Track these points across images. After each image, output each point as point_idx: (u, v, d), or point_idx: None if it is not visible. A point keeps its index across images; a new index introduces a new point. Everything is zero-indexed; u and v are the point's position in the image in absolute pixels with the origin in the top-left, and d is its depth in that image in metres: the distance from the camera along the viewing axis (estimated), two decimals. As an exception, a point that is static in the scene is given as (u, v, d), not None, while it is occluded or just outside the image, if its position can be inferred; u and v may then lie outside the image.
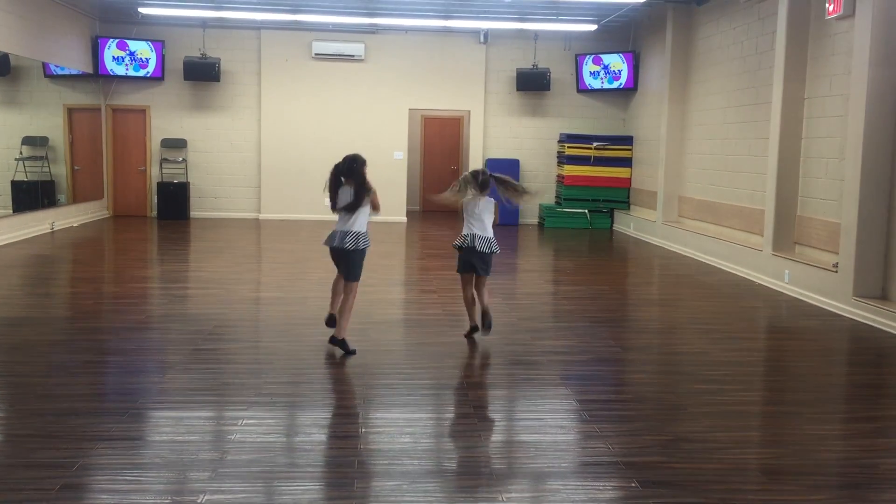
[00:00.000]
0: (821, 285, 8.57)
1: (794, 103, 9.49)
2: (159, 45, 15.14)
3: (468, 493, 3.79)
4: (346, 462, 4.13)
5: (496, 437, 4.64)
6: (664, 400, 5.35)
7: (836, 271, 8.27)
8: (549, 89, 15.96)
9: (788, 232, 9.64)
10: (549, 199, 16.43)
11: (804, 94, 9.46)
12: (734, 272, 10.52)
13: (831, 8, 8.62)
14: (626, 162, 15.66)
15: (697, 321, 7.86)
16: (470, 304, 6.80)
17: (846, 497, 3.88)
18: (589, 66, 15.84)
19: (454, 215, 17.47)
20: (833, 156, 8.85)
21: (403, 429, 4.63)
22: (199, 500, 3.62)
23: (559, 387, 5.55)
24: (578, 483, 3.95)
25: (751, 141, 10.78)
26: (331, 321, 6.45)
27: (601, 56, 15.68)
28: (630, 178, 15.66)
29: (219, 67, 15.26)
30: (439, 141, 18.52)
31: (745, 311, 8.43)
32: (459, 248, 6.70)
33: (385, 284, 9.32)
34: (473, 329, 6.80)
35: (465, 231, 6.71)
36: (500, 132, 16.37)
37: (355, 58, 15.71)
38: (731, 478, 4.04)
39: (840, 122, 8.68)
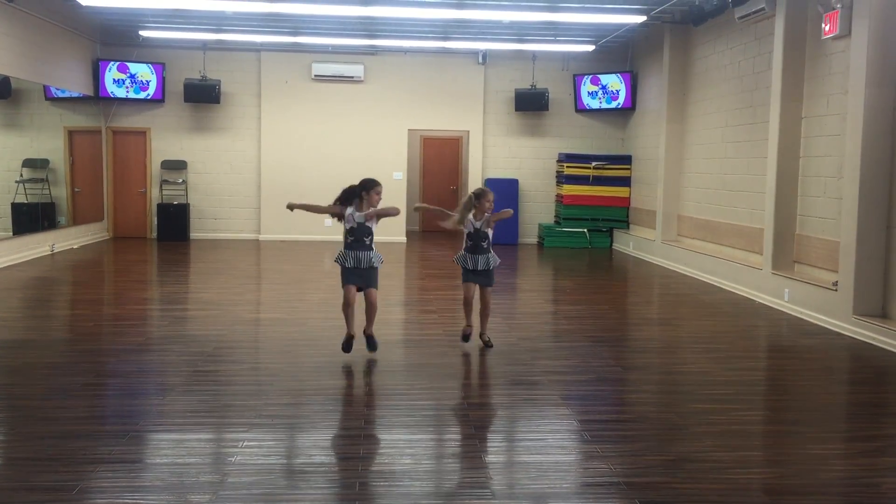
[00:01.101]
0: (821, 304, 8.58)
1: (791, 122, 9.54)
2: (160, 67, 15.23)
3: (470, 515, 3.78)
4: (348, 484, 4.11)
5: (497, 457, 4.62)
6: (665, 420, 5.34)
7: (836, 290, 8.28)
8: (547, 109, 16.04)
9: (788, 250, 9.65)
10: (548, 218, 16.46)
11: (802, 114, 9.51)
12: (734, 291, 10.52)
13: (827, 28, 8.68)
14: (625, 181, 15.70)
15: (698, 340, 7.85)
16: None
17: (849, 517, 3.87)
18: (587, 87, 15.92)
19: (454, 235, 17.50)
20: (831, 174, 8.89)
21: (404, 450, 4.62)
22: (199, 524, 3.61)
23: (560, 407, 5.54)
24: (580, 504, 3.94)
25: (749, 160, 10.82)
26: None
27: (599, 76, 15.77)
28: (629, 198, 15.71)
29: (219, 89, 15.34)
30: (438, 161, 18.59)
31: (745, 330, 8.43)
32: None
33: (385, 305, 9.30)
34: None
35: None
36: (498, 152, 16.43)
37: (355, 79, 15.80)
38: (734, 498, 4.02)
39: (838, 141, 8.72)
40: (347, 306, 6.62)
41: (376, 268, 6.69)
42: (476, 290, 7.08)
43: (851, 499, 4.11)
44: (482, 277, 7.01)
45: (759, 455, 4.76)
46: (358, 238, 6.57)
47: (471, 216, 6.96)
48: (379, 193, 6.60)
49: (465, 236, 7.06)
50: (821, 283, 8.68)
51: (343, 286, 6.64)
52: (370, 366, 6.47)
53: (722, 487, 4.14)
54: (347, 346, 6.65)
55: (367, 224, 6.58)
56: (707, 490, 4.11)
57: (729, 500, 3.99)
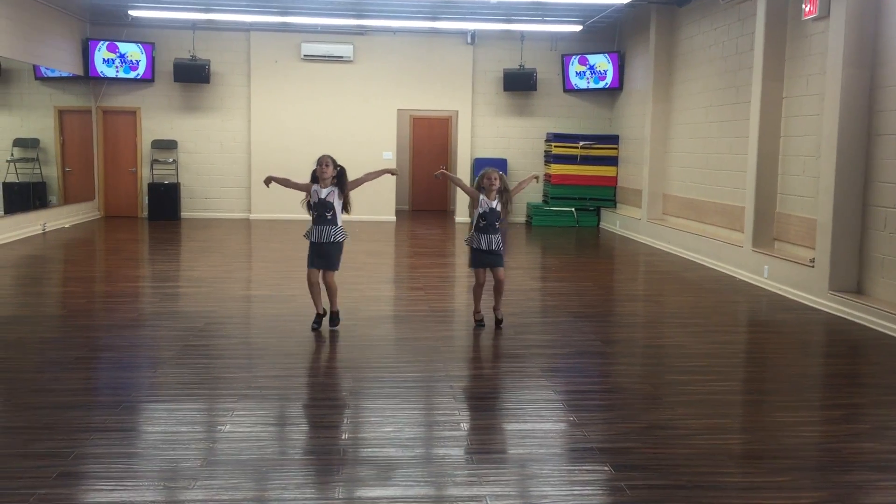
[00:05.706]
0: (798, 280, 8.78)
1: (772, 102, 9.70)
2: (149, 47, 15.26)
3: (451, 478, 3.96)
4: (333, 450, 4.29)
5: (478, 425, 4.80)
6: (641, 390, 5.53)
7: (813, 266, 8.48)
8: (535, 89, 16.15)
9: (768, 228, 9.84)
10: (536, 197, 16.61)
11: (782, 94, 9.67)
12: (716, 268, 10.72)
13: (807, 9, 8.82)
14: (612, 161, 15.86)
15: (678, 316, 8.04)
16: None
17: (809, 478, 4.06)
18: (575, 67, 16.03)
19: (442, 215, 17.65)
20: (810, 154, 9.06)
21: (389, 419, 4.79)
22: (190, 487, 3.78)
23: (540, 378, 5.72)
24: (554, 467, 4.12)
25: (732, 139, 10.99)
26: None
27: (587, 56, 15.88)
28: (616, 177, 15.87)
29: (208, 69, 15.39)
30: (428, 141, 18.69)
31: (725, 306, 8.63)
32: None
33: (373, 282, 9.48)
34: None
35: None
36: (487, 132, 16.55)
37: (344, 59, 15.86)
38: (701, 461, 4.22)
39: (816, 121, 8.88)
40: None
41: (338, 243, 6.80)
42: (487, 272, 7.09)
43: (814, 462, 4.31)
44: (494, 257, 7.01)
45: (728, 422, 4.95)
46: (321, 214, 6.75)
47: (483, 197, 6.95)
48: (327, 165, 6.68)
49: (476, 217, 7.01)
50: (799, 260, 8.88)
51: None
52: (357, 340, 6.63)
53: (690, 452, 4.34)
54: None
55: (328, 200, 6.71)
56: (676, 454, 4.30)
57: (696, 464, 4.18)
